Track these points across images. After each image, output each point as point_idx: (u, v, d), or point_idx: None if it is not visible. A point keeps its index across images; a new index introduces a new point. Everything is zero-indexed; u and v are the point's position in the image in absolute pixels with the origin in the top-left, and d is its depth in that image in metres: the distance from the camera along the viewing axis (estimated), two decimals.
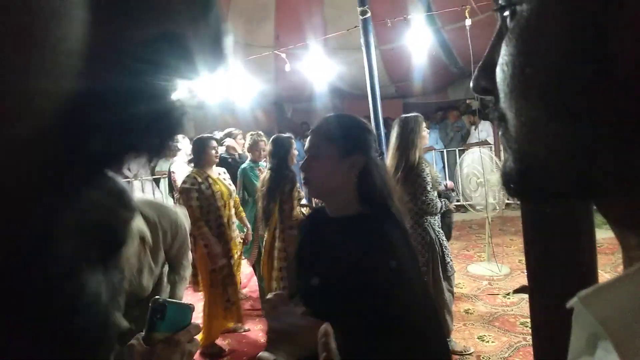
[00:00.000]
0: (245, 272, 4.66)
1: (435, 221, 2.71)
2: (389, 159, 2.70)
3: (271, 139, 3.22)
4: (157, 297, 0.78)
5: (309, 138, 1.12)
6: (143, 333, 0.76)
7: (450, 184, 2.91)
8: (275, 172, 3.06)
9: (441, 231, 2.72)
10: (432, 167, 2.85)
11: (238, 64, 5.99)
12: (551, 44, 0.25)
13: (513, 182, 0.30)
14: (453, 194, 2.75)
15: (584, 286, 0.27)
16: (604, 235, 2.96)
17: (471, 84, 0.33)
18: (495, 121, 0.31)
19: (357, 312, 0.86)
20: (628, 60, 0.22)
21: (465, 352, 2.77)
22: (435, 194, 2.64)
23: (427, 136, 2.79)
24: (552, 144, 0.27)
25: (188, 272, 1.92)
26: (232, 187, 3.37)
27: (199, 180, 3.05)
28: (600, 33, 0.23)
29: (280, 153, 3.10)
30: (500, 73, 0.29)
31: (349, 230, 1.01)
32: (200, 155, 3.10)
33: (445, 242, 2.70)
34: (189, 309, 0.79)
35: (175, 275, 1.82)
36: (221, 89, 6.43)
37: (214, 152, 3.16)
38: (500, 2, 0.29)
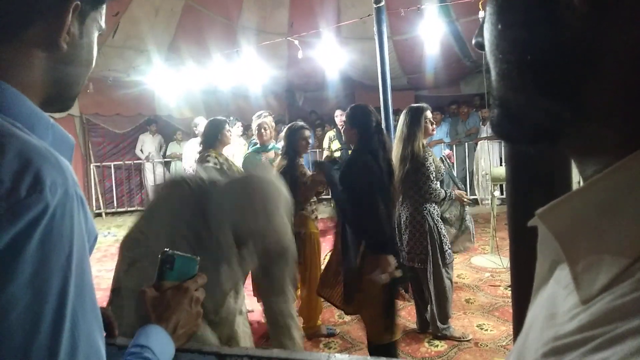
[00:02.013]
0: None
1: (435, 210, 2.77)
2: (395, 148, 2.75)
3: (287, 126, 3.28)
4: (166, 249, 0.85)
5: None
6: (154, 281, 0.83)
7: (448, 152, 2.97)
8: (285, 159, 3.14)
9: (440, 220, 2.78)
10: (436, 157, 2.89)
11: (251, 50, 6.03)
12: (515, 5, 0.31)
13: (494, 124, 0.36)
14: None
15: None
16: None
17: (473, 41, 0.39)
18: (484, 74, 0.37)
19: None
20: (575, 18, 0.27)
21: (463, 338, 2.83)
22: (438, 184, 2.71)
23: (431, 127, 2.80)
24: (520, 91, 0.32)
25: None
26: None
27: (220, 160, 3.06)
28: None
29: (291, 141, 3.17)
30: (485, 32, 0.35)
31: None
32: (217, 136, 3.09)
33: (443, 231, 2.77)
34: (195, 261, 0.86)
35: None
36: (234, 74, 6.48)
37: (229, 133, 3.21)
38: None
